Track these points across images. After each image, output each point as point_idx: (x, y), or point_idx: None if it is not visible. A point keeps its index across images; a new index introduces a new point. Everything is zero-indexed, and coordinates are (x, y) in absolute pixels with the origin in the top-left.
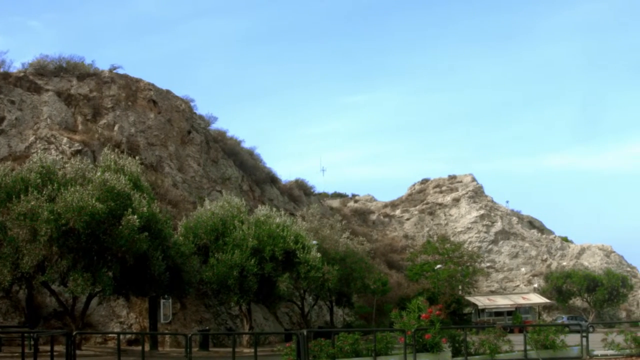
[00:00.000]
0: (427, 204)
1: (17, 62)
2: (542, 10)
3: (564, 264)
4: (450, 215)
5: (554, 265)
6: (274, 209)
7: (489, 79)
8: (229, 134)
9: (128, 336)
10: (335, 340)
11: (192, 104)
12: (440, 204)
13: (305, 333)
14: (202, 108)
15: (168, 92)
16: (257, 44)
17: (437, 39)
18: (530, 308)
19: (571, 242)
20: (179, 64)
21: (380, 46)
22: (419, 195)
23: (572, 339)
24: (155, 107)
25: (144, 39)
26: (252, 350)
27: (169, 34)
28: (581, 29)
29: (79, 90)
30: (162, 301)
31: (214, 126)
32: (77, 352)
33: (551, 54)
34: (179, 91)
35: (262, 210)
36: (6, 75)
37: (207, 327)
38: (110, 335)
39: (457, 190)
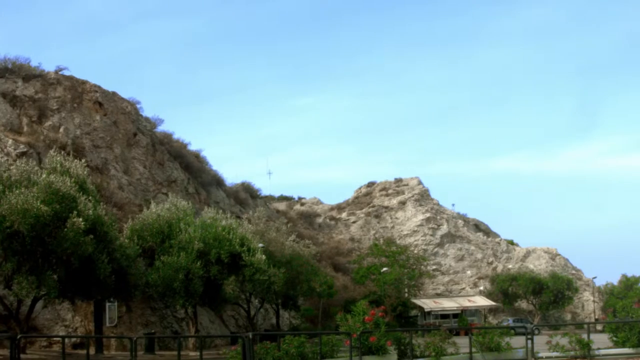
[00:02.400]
0: (373, 207)
1: None
2: (487, 14)
3: (510, 266)
4: (397, 218)
5: (500, 268)
6: (220, 212)
7: (435, 82)
8: (175, 136)
9: (73, 340)
10: (281, 343)
11: (138, 106)
12: (386, 207)
13: (250, 336)
14: (148, 110)
15: (114, 94)
16: (204, 46)
17: (383, 42)
18: (476, 311)
19: (517, 245)
20: (126, 66)
21: (327, 49)
22: (366, 198)
23: (518, 342)
24: (101, 109)
25: (91, 40)
26: (198, 353)
27: (116, 35)
28: (526, 34)
29: (25, 91)
30: (107, 304)
31: (160, 128)
32: (22, 355)
33: (496, 58)
34: (125, 93)
35: (208, 213)
36: None
37: (153, 331)
38: (55, 338)
39: (403, 193)
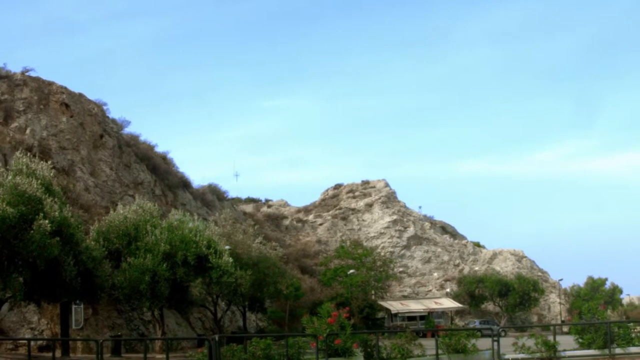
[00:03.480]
0: (340, 209)
1: None
2: (455, 16)
3: (476, 268)
4: (363, 220)
5: (466, 270)
6: (187, 214)
7: (403, 83)
8: (142, 138)
9: (39, 342)
10: (247, 345)
11: (105, 107)
12: (353, 209)
13: (217, 338)
14: (115, 112)
15: (81, 95)
16: (172, 47)
17: (352, 44)
18: (442, 313)
19: (483, 247)
20: (93, 67)
21: (297, 50)
22: (332, 201)
23: (484, 343)
24: (68, 111)
25: (58, 41)
26: (165, 355)
27: (83, 36)
28: (495, 36)
29: None
30: (73, 307)
31: (127, 130)
32: None
33: (464, 60)
34: (92, 94)
35: (174, 215)
36: None
37: (120, 333)
38: (21, 341)
39: (370, 195)
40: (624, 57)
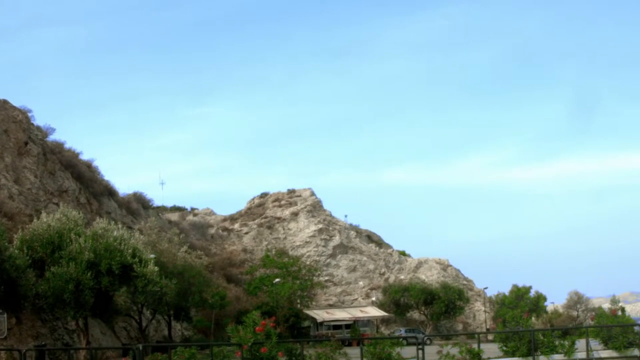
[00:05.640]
0: (265, 217)
1: None
2: (379, 26)
3: (402, 277)
4: (289, 229)
5: (392, 278)
6: (112, 222)
7: (328, 93)
8: (67, 145)
9: None
10: (172, 355)
11: (29, 114)
12: (279, 218)
13: (141, 348)
14: (40, 119)
15: (5, 102)
16: (97, 54)
17: (278, 53)
18: (368, 321)
19: (409, 256)
20: (17, 73)
21: (222, 58)
22: (258, 209)
23: (409, 352)
24: None
25: None
26: None
27: (7, 42)
28: (418, 47)
29: None
30: None
31: (52, 137)
32: None
33: (390, 70)
34: (16, 101)
35: (99, 224)
36: None
37: (44, 343)
38: None
39: (296, 204)
40: (544, 68)
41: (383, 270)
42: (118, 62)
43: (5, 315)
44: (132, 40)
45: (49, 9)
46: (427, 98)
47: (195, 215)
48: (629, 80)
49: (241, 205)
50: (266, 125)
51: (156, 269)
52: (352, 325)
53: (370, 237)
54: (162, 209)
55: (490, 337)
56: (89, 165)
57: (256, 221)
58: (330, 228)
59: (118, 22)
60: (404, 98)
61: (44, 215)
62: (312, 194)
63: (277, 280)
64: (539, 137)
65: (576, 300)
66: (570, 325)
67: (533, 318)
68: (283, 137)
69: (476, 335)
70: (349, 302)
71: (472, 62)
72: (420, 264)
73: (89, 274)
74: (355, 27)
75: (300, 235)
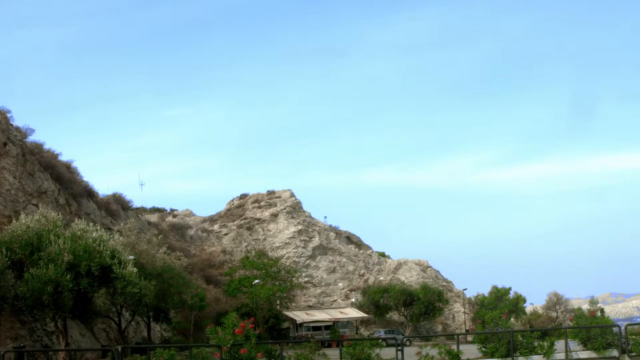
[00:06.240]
0: (245, 219)
1: None
2: (361, 27)
3: (381, 278)
4: (269, 230)
5: (372, 280)
6: (91, 224)
7: (309, 94)
8: (46, 146)
9: None
10: (151, 356)
11: (8, 115)
12: (258, 219)
13: (120, 349)
14: (19, 119)
15: None
16: (76, 55)
17: (258, 53)
18: (348, 322)
19: (388, 257)
20: None
21: (201, 59)
22: (238, 210)
23: (388, 353)
24: None
25: None
26: None
27: None
28: (399, 47)
29: None
30: None
31: (31, 138)
32: None
33: (373, 71)
34: None
35: (78, 225)
36: None
37: (23, 344)
38: None
39: (275, 205)
40: (528, 70)
41: (362, 271)
42: (98, 63)
43: None
44: (113, 41)
45: (28, 10)
46: (410, 99)
47: (174, 216)
48: (615, 81)
49: (221, 206)
50: (246, 127)
51: (135, 270)
52: (332, 327)
53: (350, 239)
54: (142, 210)
55: (469, 338)
56: (68, 166)
57: (236, 222)
58: (310, 229)
59: (98, 23)
60: (387, 99)
61: (23, 216)
62: (292, 195)
63: (256, 281)
64: (520, 139)
65: (555, 302)
66: (550, 326)
67: (512, 319)
68: (263, 138)
69: (455, 336)
70: (329, 303)
71: (456, 64)
72: (399, 265)
73: (68, 276)
74: (339, 28)
75: (279, 237)
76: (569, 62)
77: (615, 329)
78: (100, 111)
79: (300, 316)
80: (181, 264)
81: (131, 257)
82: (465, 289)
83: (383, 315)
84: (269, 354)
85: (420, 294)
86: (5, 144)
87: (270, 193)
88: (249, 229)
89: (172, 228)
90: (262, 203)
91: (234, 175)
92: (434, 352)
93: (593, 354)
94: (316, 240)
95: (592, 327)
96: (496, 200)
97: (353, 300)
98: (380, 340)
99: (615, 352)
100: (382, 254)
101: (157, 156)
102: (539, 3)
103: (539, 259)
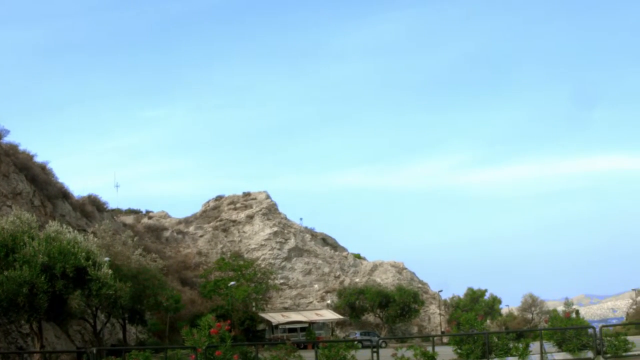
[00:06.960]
0: (221, 220)
1: None
2: (334, 29)
3: (357, 280)
4: (244, 232)
5: (347, 281)
6: (66, 225)
7: (283, 95)
8: (21, 147)
9: None
10: (126, 358)
11: None
12: (234, 221)
13: (95, 351)
14: None
15: None
16: (51, 55)
17: (234, 55)
18: (323, 324)
19: (364, 259)
20: None
21: (177, 60)
22: (213, 212)
23: (364, 355)
24: None
25: None
26: None
27: None
28: (376, 50)
29: None
30: None
31: (6, 139)
32: None
33: (345, 73)
34: None
35: (53, 226)
36: None
37: None
38: None
39: (251, 207)
40: (500, 72)
41: (338, 273)
42: (73, 64)
43: None
44: (87, 42)
45: (3, 10)
46: (383, 101)
47: (150, 218)
48: (590, 84)
49: (196, 208)
50: (222, 128)
51: (110, 272)
52: (308, 328)
53: (326, 240)
54: (117, 212)
55: (445, 339)
56: (43, 168)
57: (211, 224)
58: (286, 231)
59: (72, 24)
60: (360, 101)
61: None
62: (268, 197)
63: (232, 283)
64: (494, 141)
65: (531, 303)
66: (525, 328)
67: (488, 321)
68: (239, 139)
69: (431, 338)
70: (304, 305)
71: (428, 66)
72: (375, 267)
73: (43, 278)
74: (311, 30)
75: (255, 238)
76: (543, 64)
77: (590, 331)
78: (75, 112)
79: (276, 318)
80: (157, 265)
81: (106, 258)
82: (440, 291)
83: (359, 317)
84: (245, 356)
85: (396, 295)
86: None
87: (246, 195)
88: (224, 230)
89: (147, 230)
90: (238, 205)
91: (209, 177)
92: (409, 353)
93: (568, 356)
94: (292, 242)
95: (567, 329)
96: (471, 203)
97: (329, 302)
98: (355, 342)
99: (590, 354)
100: (358, 256)
101: (133, 157)
102: (512, 5)
103: (514, 260)
